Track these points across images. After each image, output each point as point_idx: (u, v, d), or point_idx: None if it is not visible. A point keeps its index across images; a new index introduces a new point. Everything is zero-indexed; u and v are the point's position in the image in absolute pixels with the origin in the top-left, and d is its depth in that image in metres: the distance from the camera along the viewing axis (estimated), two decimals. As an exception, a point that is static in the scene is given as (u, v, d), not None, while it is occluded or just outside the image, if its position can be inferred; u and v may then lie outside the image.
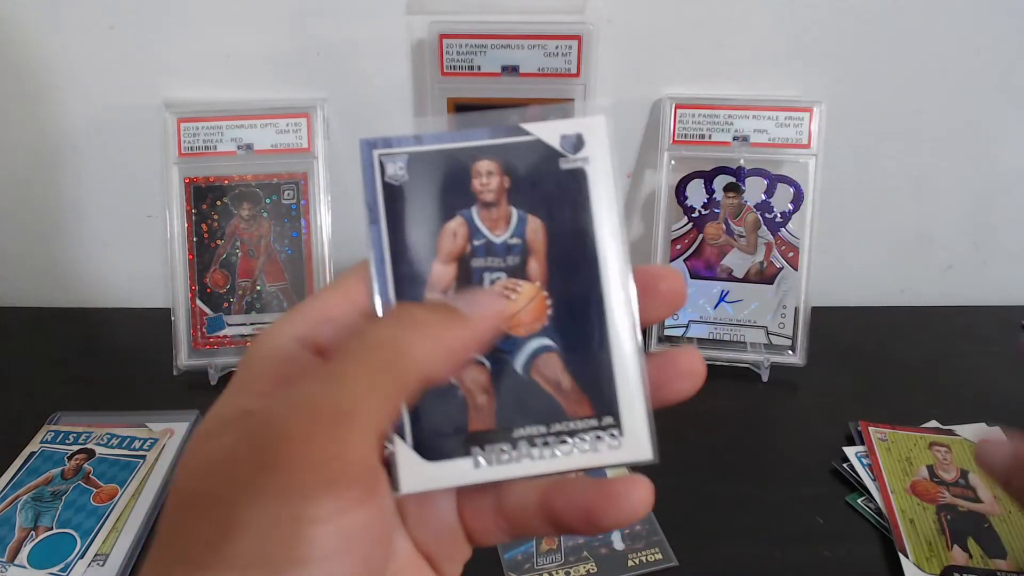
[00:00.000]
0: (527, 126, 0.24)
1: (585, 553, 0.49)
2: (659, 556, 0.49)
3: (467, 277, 0.24)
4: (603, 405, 0.23)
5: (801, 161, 0.66)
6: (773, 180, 0.65)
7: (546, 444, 0.23)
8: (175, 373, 0.64)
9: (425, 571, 0.25)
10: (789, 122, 0.65)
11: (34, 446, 0.57)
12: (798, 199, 0.65)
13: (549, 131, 0.24)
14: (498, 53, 0.63)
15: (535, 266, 0.24)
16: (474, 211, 0.24)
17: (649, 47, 0.65)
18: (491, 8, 0.63)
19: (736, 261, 0.67)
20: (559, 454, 0.23)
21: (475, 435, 0.23)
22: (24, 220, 0.73)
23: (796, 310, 0.66)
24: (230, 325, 0.66)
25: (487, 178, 0.24)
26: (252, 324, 0.66)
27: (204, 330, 0.65)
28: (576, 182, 0.24)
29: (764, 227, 0.66)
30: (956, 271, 0.77)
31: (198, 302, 0.65)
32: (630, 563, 0.48)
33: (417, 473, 0.23)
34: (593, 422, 0.23)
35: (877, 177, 0.72)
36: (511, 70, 0.63)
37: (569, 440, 0.23)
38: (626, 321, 0.24)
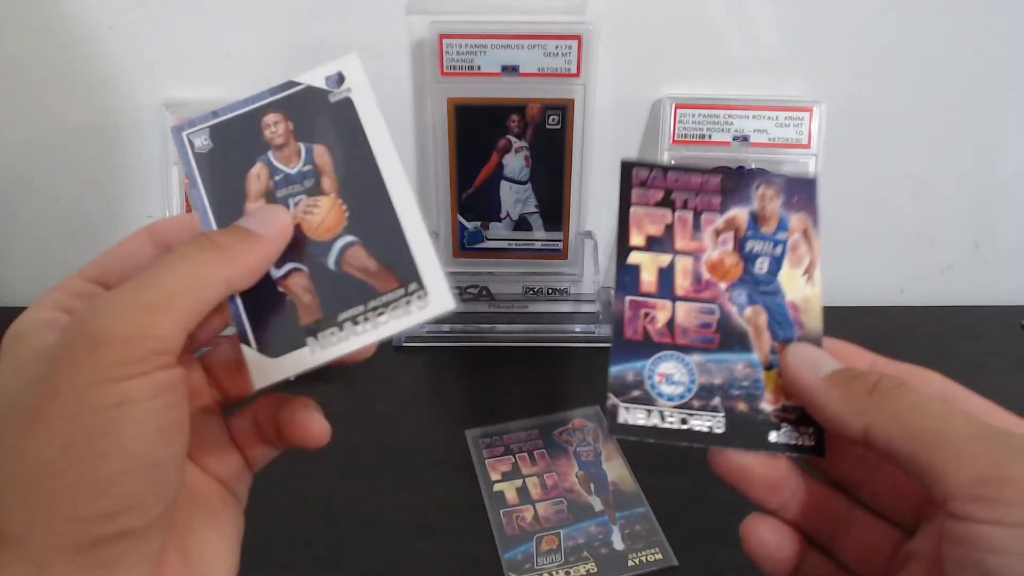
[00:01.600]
0: (297, 78, 0.31)
1: (585, 553, 0.49)
2: (659, 556, 0.49)
3: None
4: (407, 275, 0.28)
5: (801, 161, 0.66)
6: (773, 180, 0.65)
7: (367, 319, 0.28)
8: (175, 373, 0.64)
9: (218, 489, 0.29)
10: (789, 122, 0.65)
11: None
12: (798, 199, 0.65)
13: (315, 77, 0.31)
14: (498, 53, 0.63)
15: (328, 182, 0.30)
16: (270, 154, 0.30)
17: (649, 47, 0.65)
18: (491, 8, 0.63)
19: (736, 261, 0.67)
20: (380, 323, 0.28)
21: (306, 327, 0.28)
22: (24, 220, 0.73)
23: (796, 310, 0.66)
24: (230, 325, 0.66)
25: (275, 127, 0.30)
26: (252, 324, 0.66)
27: (204, 330, 0.65)
28: (345, 109, 0.30)
29: (764, 227, 0.66)
30: (956, 271, 0.77)
31: (198, 302, 0.65)
32: (630, 563, 0.48)
33: (264, 369, 0.28)
34: (402, 291, 0.28)
35: (877, 177, 0.72)
36: (511, 70, 0.63)
37: (385, 311, 0.28)
38: (408, 203, 0.29)
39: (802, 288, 0.31)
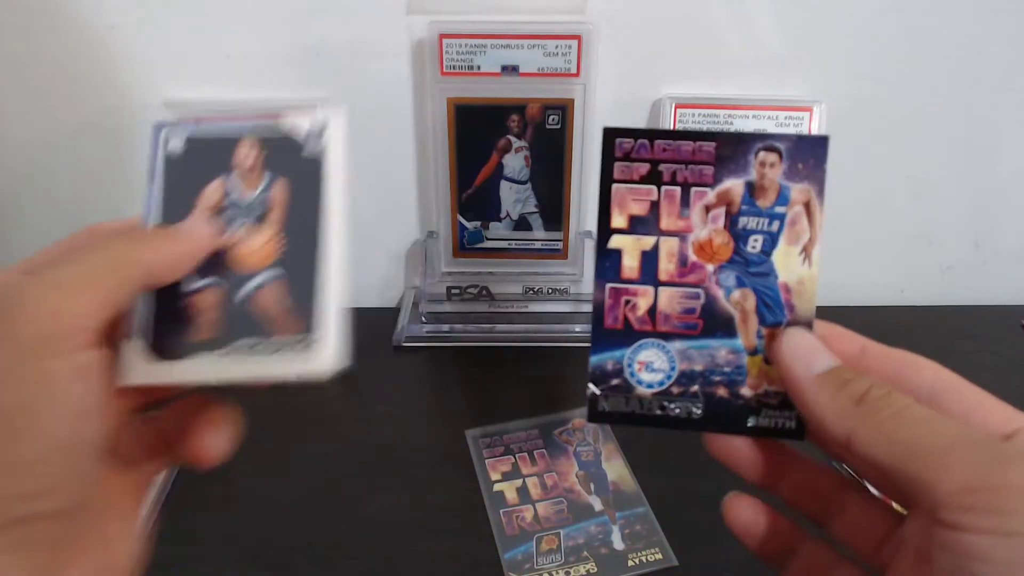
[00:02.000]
0: (284, 113, 0.32)
1: (585, 553, 0.49)
2: (659, 556, 0.49)
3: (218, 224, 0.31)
4: (310, 325, 0.29)
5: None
6: (773, 180, 0.65)
7: (256, 354, 0.29)
8: (175, 373, 0.64)
9: (135, 476, 0.30)
10: (789, 122, 0.65)
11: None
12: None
13: (300, 117, 0.31)
14: (498, 53, 0.63)
15: (274, 217, 0.30)
16: (233, 175, 0.31)
17: (649, 47, 0.65)
18: (491, 8, 0.63)
19: (736, 261, 0.67)
20: (267, 361, 0.29)
21: (197, 343, 0.29)
22: (24, 220, 0.73)
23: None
24: (230, 325, 0.65)
25: (248, 151, 0.31)
26: (252, 324, 0.66)
27: (204, 330, 0.65)
28: (317, 156, 0.31)
29: (764, 227, 0.66)
30: (956, 271, 0.77)
31: (198, 302, 0.65)
32: (630, 563, 0.48)
33: (139, 369, 0.28)
34: (299, 337, 0.29)
35: (877, 177, 0.72)
36: (511, 70, 0.63)
37: (277, 352, 0.29)
38: (338, 262, 0.30)
39: (797, 268, 0.29)
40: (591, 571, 0.48)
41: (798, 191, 0.29)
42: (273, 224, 0.31)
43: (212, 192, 0.31)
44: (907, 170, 0.72)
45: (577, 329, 0.69)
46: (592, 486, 0.54)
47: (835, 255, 0.72)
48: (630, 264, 0.30)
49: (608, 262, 0.30)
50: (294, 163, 0.31)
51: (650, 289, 0.30)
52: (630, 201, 0.30)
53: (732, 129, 0.66)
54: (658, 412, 0.30)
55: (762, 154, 0.29)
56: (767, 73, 0.67)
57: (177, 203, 0.31)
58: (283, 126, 0.32)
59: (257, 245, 0.30)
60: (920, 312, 0.75)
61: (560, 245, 0.70)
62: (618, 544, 0.50)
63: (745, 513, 0.30)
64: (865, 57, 0.66)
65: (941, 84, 0.67)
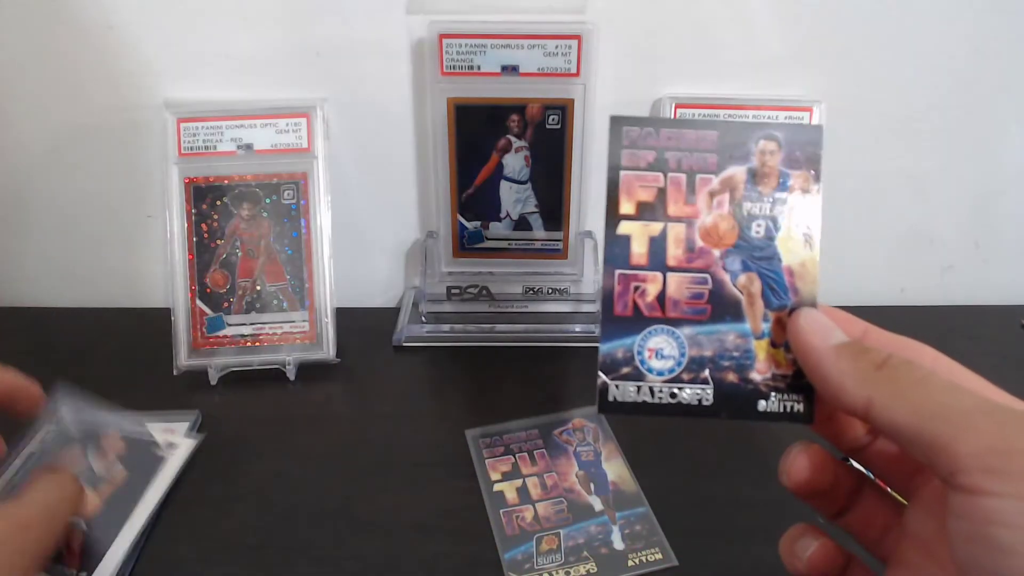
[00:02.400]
0: (152, 426, 0.51)
1: (585, 553, 0.49)
2: (659, 556, 0.49)
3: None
4: (90, 569, 0.43)
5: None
6: (773, 180, 0.65)
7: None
8: (175, 373, 0.64)
9: None
10: (789, 122, 0.65)
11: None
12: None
13: (159, 429, 0.50)
14: (498, 53, 0.63)
15: (108, 486, 0.46)
16: (94, 449, 0.47)
17: (649, 47, 0.65)
18: (491, 8, 0.63)
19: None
20: None
21: None
22: (23, 220, 0.73)
23: (796, 310, 0.66)
24: (230, 325, 0.66)
25: (114, 438, 0.48)
26: (252, 324, 0.66)
27: (204, 330, 0.65)
28: (157, 462, 0.48)
29: (764, 227, 0.66)
30: (956, 270, 0.77)
31: (198, 302, 0.65)
32: (630, 563, 0.48)
33: None
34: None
35: (877, 177, 0.72)
36: (511, 70, 0.63)
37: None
38: (135, 530, 0.45)
39: (800, 252, 0.30)
40: (591, 571, 0.48)
41: (797, 177, 0.30)
42: (104, 491, 0.45)
43: (76, 457, 0.45)
44: (907, 170, 0.72)
45: (577, 329, 0.69)
46: (592, 486, 0.54)
47: (835, 255, 0.72)
48: (639, 250, 0.30)
49: (617, 248, 0.30)
50: (144, 456, 0.47)
51: (659, 275, 0.30)
52: (638, 188, 0.30)
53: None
54: (669, 400, 0.30)
55: (762, 142, 0.30)
56: (767, 73, 0.67)
57: (51, 455, 0.45)
58: (148, 432, 0.48)
59: (89, 501, 0.44)
60: (920, 312, 0.75)
61: (560, 245, 0.70)
62: (618, 544, 0.50)
63: (817, 553, 0.30)
64: (865, 57, 0.66)
65: (941, 84, 0.67)
